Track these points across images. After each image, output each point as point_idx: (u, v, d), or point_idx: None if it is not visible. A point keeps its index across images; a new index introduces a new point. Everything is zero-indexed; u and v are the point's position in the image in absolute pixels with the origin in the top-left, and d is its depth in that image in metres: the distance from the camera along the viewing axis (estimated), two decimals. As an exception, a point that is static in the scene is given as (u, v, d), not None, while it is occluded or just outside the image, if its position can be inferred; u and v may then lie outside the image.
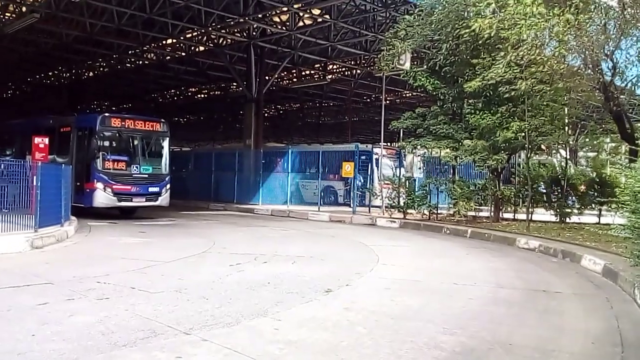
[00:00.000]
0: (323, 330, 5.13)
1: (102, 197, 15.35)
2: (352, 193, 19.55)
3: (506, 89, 12.54)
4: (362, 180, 20.41)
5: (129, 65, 29.81)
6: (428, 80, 16.28)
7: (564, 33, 10.08)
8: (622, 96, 12.67)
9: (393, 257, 9.91)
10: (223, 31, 22.96)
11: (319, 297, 6.51)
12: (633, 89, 12.55)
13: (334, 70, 31.29)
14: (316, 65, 29.33)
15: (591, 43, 10.68)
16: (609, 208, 13.61)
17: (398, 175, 19.04)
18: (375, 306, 6.16)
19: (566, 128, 16.01)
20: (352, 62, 29.00)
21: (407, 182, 18.19)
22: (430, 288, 7.35)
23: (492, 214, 16.07)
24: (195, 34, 23.83)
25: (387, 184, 18.83)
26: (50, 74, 33.63)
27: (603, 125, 16.24)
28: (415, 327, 5.35)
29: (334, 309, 5.99)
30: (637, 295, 6.56)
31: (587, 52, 11.01)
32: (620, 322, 5.73)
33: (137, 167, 16.15)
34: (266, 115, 38.04)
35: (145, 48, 25.97)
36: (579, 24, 10.19)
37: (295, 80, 32.70)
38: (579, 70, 11.50)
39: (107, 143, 15.96)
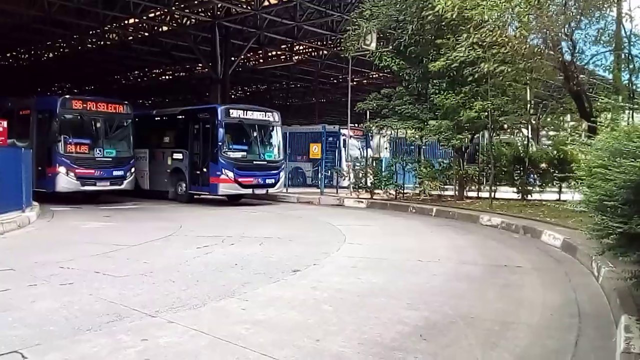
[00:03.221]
0: (290, 310, 5.18)
1: (65, 181, 15.05)
2: (319, 174, 19.61)
3: (469, 70, 12.70)
4: (330, 161, 20.48)
5: (90, 45, 29.04)
6: (393, 61, 16.34)
7: (524, 13, 10.23)
8: (582, 75, 12.95)
9: (360, 237, 10.02)
10: (187, 10, 22.55)
11: (287, 277, 6.56)
12: (591, 68, 12.87)
13: (301, 51, 31.11)
14: (283, 46, 29.12)
15: (551, 23, 10.86)
16: (569, 185, 13.99)
17: (365, 155, 19.15)
18: (341, 284, 6.25)
19: (528, 107, 16.31)
20: (319, 43, 28.86)
21: (374, 162, 18.32)
22: (396, 265, 7.47)
23: (456, 192, 16.36)
24: (158, 13, 23.36)
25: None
26: (9, 55, 32.56)
27: (564, 105, 16.63)
28: (380, 303, 5.46)
29: (301, 288, 6.05)
30: (594, 268, 6.80)
31: (547, 32, 11.20)
32: (578, 294, 5.94)
33: (100, 150, 15.86)
34: (233, 96, 37.65)
35: (106, 28, 25.29)
36: (540, 4, 10.34)
37: (261, 61, 32.41)
38: (540, 51, 11.71)
39: (68, 126, 15.55)
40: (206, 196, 16.99)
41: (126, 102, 17.30)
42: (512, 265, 7.63)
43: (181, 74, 36.85)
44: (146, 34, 26.17)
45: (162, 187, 17.60)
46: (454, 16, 11.06)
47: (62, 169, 15.00)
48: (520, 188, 15.56)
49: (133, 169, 16.57)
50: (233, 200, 17.23)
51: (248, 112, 16.61)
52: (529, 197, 15.41)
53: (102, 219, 12.49)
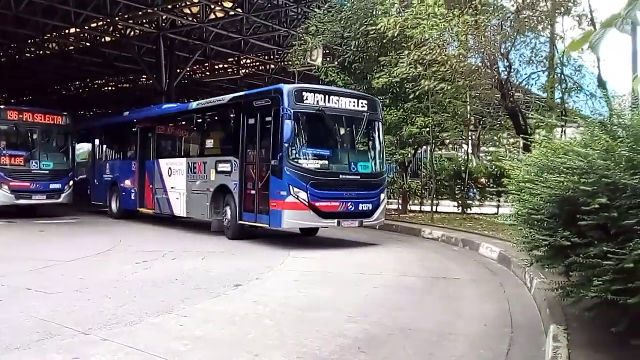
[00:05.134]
0: (230, 325, 5.14)
1: (-2, 194, 14.45)
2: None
3: (411, 86, 13.06)
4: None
5: (28, 55, 28.10)
6: (339, 76, 16.56)
7: (462, 33, 10.62)
8: (517, 93, 13.52)
9: (304, 250, 10.03)
10: (130, 21, 22.17)
11: (228, 291, 6.50)
12: (527, 86, 13.47)
13: (248, 65, 31.07)
14: (230, 59, 29.04)
15: (488, 43, 11.31)
16: (506, 199, 14.50)
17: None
18: (283, 298, 6.25)
19: (467, 123, 16.87)
20: (266, 57, 28.92)
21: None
22: (338, 278, 7.54)
23: (400, 206, 16.68)
24: (100, 23, 22.82)
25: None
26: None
27: (501, 121, 17.31)
28: (321, 317, 5.49)
29: (243, 303, 6.01)
30: (527, 280, 7.05)
31: (484, 52, 11.65)
32: (511, 305, 6.14)
33: (36, 163, 15.32)
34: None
35: (46, 37, 24.57)
36: (477, 24, 10.76)
37: (208, 73, 32.20)
38: (478, 69, 12.16)
39: (2, 137, 15.13)
40: (269, 228, 10.67)
41: (65, 112, 16.85)
42: (451, 277, 7.82)
43: (125, 85, 36.11)
44: (88, 44, 25.55)
45: (203, 213, 12.38)
46: (395, 34, 11.38)
47: (-6, 182, 14.42)
48: (460, 202, 16.04)
49: (71, 182, 16.05)
50: (308, 235, 12.13)
51: (332, 96, 10.74)
52: (469, 210, 15.89)
53: (36, 234, 12.03)
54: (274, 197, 10.07)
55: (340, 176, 10.57)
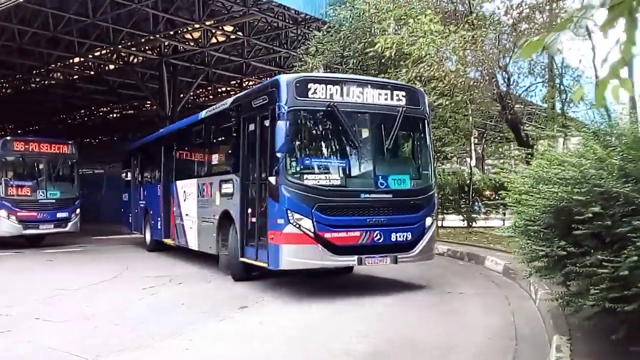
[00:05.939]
0: (237, 346, 5.19)
1: (6, 225, 14.53)
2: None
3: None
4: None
5: (34, 85, 28.50)
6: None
7: (460, 48, 10.74)
8: (518, 105, 13.56)
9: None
10: (133, 49, 22.46)
11: (233, 314, 6.54)
12: (526, 98, 13.54)
13: (250, 87, 31.32)
14: (232, 82, 29.29)
15: (486, 57, 11.41)
16: (512, 212, 14.50)
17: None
18: (289, 318, 6.30)
19: (471, 137, 16.91)
20: (268, 79, 29.17)
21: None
22: (343, 296, 7.53)
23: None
24: (104, 52, 23.16)
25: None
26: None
27: (503, 134, 17.36)
28: (329, 334, 5.53)
29: (249, 324, 6.06)
30: (532, 292, 7.05)
31: (483, 65, 11.75)
32: (516, 318, 6.14)
33: (43, 192, 15.43)
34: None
35: (50, 67, 24.95)
36: (474, 39, 10.88)
37: (211, 97, 32.46)
38: (477, 83, 12.24)
39: (9, 168, 15.23)
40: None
41: (70, 141, 17.01)
42: (456, 291, 7.83)
43: (129, 111, 36.45)
44: (92, 72, 25.88)
45: (211, 246, 9.94)
46: (393, 54, 11.49)
47: (2, 213, 14.50)
48: (465, 216, 16.02)
49: (78, 210, 16.10)
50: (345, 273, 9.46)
51: (350, 87, 7.90)
52: (475, 224, 15.86)
53: (44, 263, 12.08)
54: (271, 227, 7.46)
55: (362, 195, 7.66)
